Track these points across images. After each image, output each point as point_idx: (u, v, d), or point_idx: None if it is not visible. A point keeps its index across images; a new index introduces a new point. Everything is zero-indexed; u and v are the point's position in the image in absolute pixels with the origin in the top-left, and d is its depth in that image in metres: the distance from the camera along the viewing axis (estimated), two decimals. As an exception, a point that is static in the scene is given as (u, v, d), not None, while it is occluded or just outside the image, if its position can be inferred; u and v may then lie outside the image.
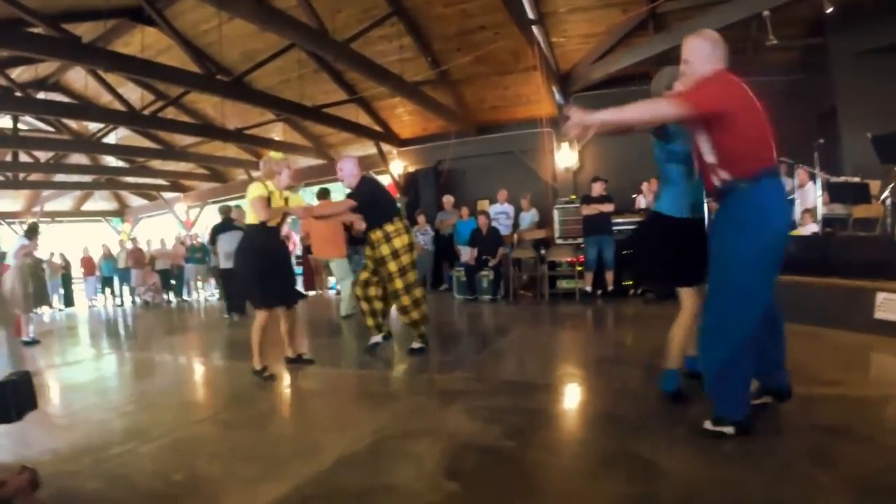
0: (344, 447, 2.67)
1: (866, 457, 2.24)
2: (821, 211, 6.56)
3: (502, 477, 2.28)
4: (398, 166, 12.90)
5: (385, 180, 13.05)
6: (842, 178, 7.05)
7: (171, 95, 11.14)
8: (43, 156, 14.28)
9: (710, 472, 2.18)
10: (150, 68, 8.18)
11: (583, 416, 3.16)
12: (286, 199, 4.43)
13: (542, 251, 9.05)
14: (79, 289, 15.74)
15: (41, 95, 11.44)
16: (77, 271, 15.62)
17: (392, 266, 4.68)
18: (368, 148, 12.96)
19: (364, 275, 4.93)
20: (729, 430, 2.45)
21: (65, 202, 18.70)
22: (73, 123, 13.80)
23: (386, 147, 12.91)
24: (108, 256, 14.71)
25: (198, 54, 9.72)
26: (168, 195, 18.09)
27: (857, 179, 6.86)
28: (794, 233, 6.81)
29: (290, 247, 9.39)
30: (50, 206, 17.93)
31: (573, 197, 9.70)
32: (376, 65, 8.54)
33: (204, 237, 13.24)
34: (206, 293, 14.37)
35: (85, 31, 8.39)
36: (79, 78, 11.61)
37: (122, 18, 9.14)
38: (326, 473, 2.40)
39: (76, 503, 2.29)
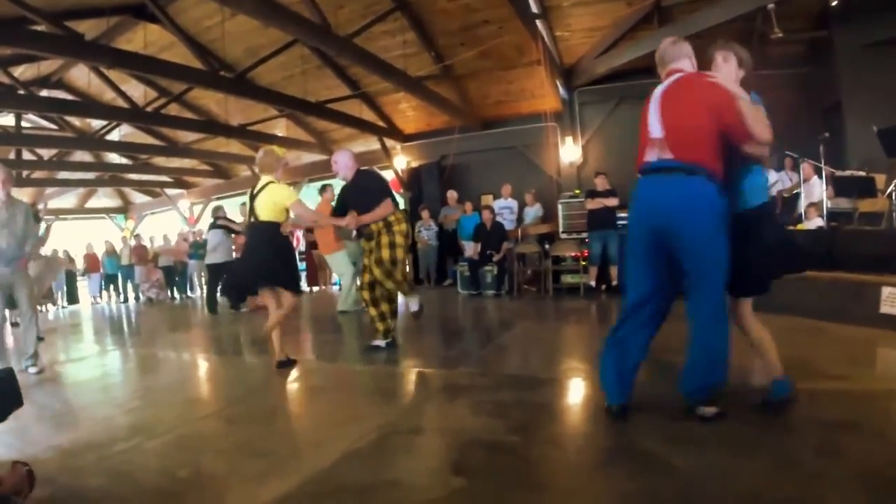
0: (349, 443, 2.66)
1: (873, 451, 2.22)
2: (826, 205, 6.53)
3: (507, 472, 2.27)
4: (402, 161, 12.88)
5: (388, 176, 13.06)
6: (847, 172, 7.01)
7: (174, 92, 11.16)
8: (46, 153, 14.33)
9: (715, 466, 2.17)
10: (152, 65, 8.18)
11: (587, 410, 3.14)
12: None
13: (546, 246, 9.04)
14: (82, 286, 15.76)
15: (44, 93, 11.48)
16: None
17: (385, 254, 4.73)
18: (372, 143, 12.96)
19: (366, 276, 4.93)
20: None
21: (68, 199, 18.75)
22: (76, 121, 13.82)
23: (389, 142, 12.89)
24: (112, 253, 14.74)
25: (201, 51, 9.73)
26: (171, 192, 18.14)
27: (862, 173, 6.82)
28: (800, 227, 6.78)
29: (294, 243, 9.41)
30: (53, 204, 17.95)
31: (577, 191, 9.68)
32: (380, 60, 8.51)
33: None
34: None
35: (88, 28, 8.39)
36: (82, 75, 11.62)
37: (125, 15, 9.16)
38: (331, 469, 2.39)
39: (80, 500, 2.28)
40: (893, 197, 6.13)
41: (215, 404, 3.89)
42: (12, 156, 12.95)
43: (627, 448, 2.44)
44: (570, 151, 10.63)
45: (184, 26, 9.53)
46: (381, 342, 4.95)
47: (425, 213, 10.86)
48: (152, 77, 10.62)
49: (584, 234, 8.65)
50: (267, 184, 4.33)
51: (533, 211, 10.42)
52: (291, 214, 4.57)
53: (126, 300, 14.69)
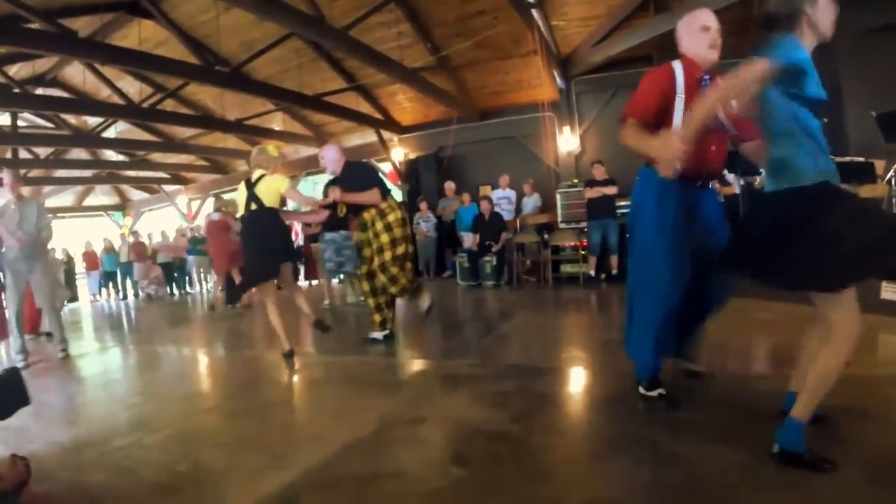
0: (350, 434, 2.66)
1: (877, 436, 2.23)
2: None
3: (509, 461, 2.27)
4: (399, 153, 12.83)
5: (386, 168, 13.04)
6: (846, 158, 6.98)
7: (169, 88, 11.08)
8: (43, 152, 14.27)
9: (717, 453, 2.16)
10: (147, 61, 8.13)
11: (589, 399, 3.14)
12: None
13: (546, 235, 9.03)
14: (82, 284, 15.75)
15: (39, 91, 11.39)
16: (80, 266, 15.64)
17: (384, 238, 4.72)
18: (369, 136, 12.92)
19: (364, 268, 4.92)
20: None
21: (66, 198, 18.69)
22: (72, 119, 13.74)
23: (387, 134, 12.85)
24: (110, 251, 14.72)
25: (196, 45, 9.68)
26: (169, 188, 18.10)
27: (861, 159, 6.78)
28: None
29: (293, 236, 9.39)
30: (51, 202, 17.89)
31: (575, 181, 9.65)
32: (375, 52, 8.46)
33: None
34: (209, 285, 14.37)
35: (82, 25, 8.35)
36: (77, 73, 11.55)
37: (119, 12, 9.08)
38: (332, 461, 2.39)
39: (81, 495, 2.28)
40: (893, 183, 6.10)
41: (215, 399, 3.89)
42: (9, 155, 12.92)
43: (629, 436, 2.44)
44: (567, 141, 10.59)
45: (178, 21, 9.47)
46: (378, 334, 4.96)
47: (423, 205, 10.84)
48: (148, 73, 10.58)
49: (583, 224, 8.63)
50: (262, 175, 4.34)
51: (531, 201, 10.39)
52: (288, 205, 4.56)
53: (125, 297, 14.69)
